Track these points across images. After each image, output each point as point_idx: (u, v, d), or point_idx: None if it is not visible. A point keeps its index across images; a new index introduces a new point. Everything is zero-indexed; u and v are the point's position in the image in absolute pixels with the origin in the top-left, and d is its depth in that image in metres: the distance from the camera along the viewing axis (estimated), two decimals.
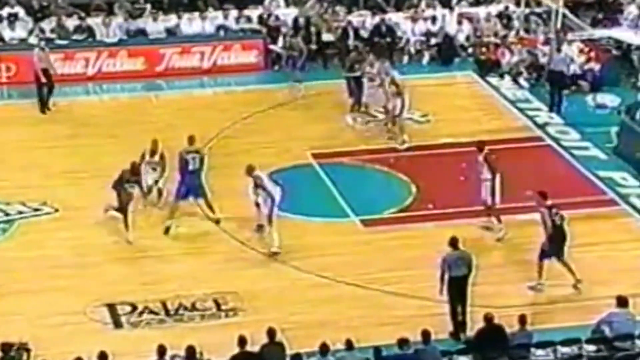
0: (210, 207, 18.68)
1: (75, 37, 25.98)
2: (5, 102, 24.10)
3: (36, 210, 19.23)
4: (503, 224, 18.32)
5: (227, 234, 18.43)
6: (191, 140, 18.95)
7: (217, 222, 18.59)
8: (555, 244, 16.71)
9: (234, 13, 26.78)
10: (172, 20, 26.59)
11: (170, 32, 26.48)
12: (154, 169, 18.99)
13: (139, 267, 17.45)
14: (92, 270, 17.30)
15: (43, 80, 23.38)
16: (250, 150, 21.58)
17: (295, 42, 24.22)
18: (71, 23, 26.13)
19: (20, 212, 19.15)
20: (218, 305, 16.51)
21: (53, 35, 25.87)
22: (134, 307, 16.38)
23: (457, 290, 15.58)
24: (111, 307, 16.32)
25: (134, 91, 24.94)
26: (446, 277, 15.59)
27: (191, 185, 18.46)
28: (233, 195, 19.63)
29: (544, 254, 16.78)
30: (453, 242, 15.81)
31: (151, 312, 16.32)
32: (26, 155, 21.18)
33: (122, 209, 18.02)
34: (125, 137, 22.05)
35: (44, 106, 23.43)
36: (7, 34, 25.83)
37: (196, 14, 26.67)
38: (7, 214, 19.13)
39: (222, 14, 26.74)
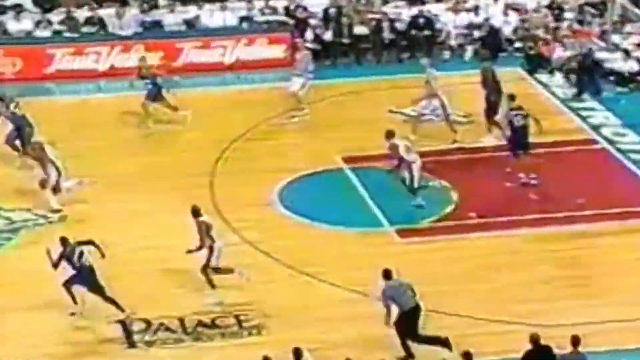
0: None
1: (85, 29, 26.22)
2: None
3: (44, 217, 19.41)
4: None
5: (251, 245, 18.51)
6: None
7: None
8: None
9: (258, 4, 26.88)
10: (191, 11, 26.74)
11: (189, 24, 26.64)
12: None
13: (152, 281, 17.54)
14: (104, 282, 17.40)
15: None
16: (275, 153, 21.69)
17: None
18: (81, 14, 26.37)
19: (26, 220, 19.34)
20: (240, 323, 16.58)
21: (62, 28, 26.13)
22: (149, 324, 16.49)
23: (414, 323, 15.36)
24: (124, 324, 16.45)
25: None
26: (395, 311, 15.31)
27: None
28: (256, 203, 19.75)
29: None
30: (386, 274, 15.46)
31: (167, 329, 16.41)
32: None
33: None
34: (139, 139, 22.20)
35: None
36: (13, 26, 26.09)
37: (217, 4, 26.80)
38: (12, 222, 19.33)
39: (245, 4, 26.86)
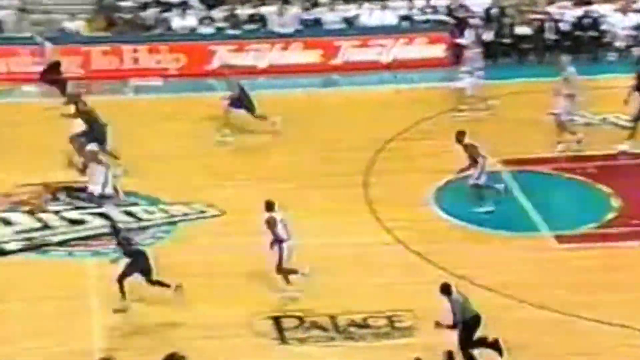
0: None
1: (247, 26, 26.65)
2: (175, 96, 24.86)
3: (201, 212, 19.82)
4: None
5: (404, 245, 18.46)
6: None
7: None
8: None
9: (419, 3, 26.79)
10: (351, 10, 26.87)
11: (348, 22, 26.77)
12: None
13: (306, 278, 17.66)
14: (258, 278, 17.65)
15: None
16: (432, 153, 21.56)
17: None
18: (244, 12, 26.81)
19: (185, 214, 19.79)
20: (392, 324, 16.56)
21: (224, 25, 26.64)
22: (301, 321, 16.63)
23: (474, 332, 15.10)
24: (277, 321, 16.62)
25: (307, 86, 25.32)
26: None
27: None
28: (412, 203, 19.67)
29: None
30: (447, 289, 15.11)
31: (319, 327, 16.52)
32: (191, 154, 21.82)
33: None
34: (297, 136, 22.40)
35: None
36: (177, 23, 26.74)
37: (378, 3, 26.84)
38: (171, 215, 19.80)
39: (406, 3, 26.81)
